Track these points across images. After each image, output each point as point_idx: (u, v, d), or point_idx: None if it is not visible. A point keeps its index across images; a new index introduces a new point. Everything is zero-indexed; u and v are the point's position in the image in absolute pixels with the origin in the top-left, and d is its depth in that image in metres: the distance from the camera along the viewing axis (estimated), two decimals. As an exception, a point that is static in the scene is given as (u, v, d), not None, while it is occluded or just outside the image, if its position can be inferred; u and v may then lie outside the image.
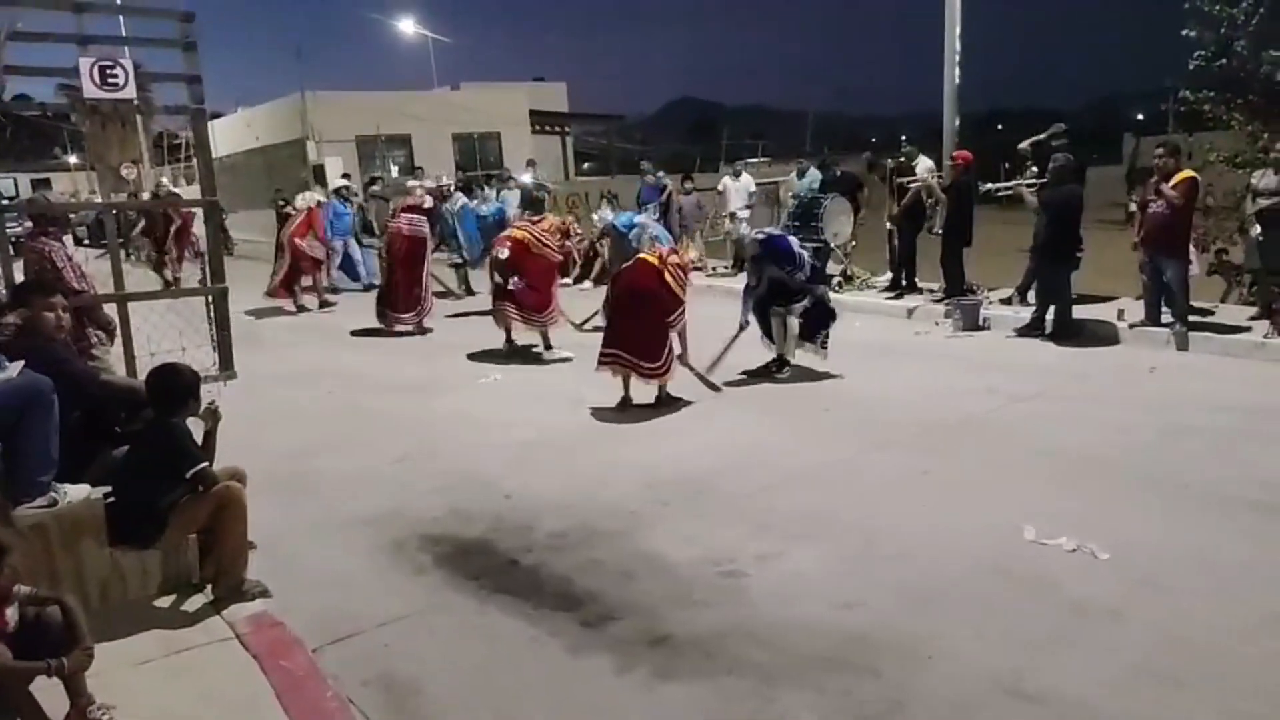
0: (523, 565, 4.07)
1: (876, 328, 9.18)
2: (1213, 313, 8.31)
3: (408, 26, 34.95)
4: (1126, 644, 3.20)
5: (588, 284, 12.76)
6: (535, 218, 8.72)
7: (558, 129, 31.14)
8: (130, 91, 5.29)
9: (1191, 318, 7.76)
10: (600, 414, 6.38)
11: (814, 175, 12.83)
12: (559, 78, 51.57)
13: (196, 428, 3.83)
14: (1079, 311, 8.29)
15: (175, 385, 3.71)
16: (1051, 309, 8.22)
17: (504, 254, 8.22)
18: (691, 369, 6.79)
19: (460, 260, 12.46)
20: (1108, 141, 33.51)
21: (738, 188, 14.08)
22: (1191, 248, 8.12)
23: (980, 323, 8.84)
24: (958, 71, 10.53)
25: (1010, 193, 9.68)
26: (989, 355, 7.88)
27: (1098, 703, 2.87)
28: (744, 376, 7.24)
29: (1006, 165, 12.35)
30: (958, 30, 10.39)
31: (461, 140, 27.41)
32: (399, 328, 9.87)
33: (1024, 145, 9.67)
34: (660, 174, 14.76)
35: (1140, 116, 50.30)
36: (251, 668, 3.18)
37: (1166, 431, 5.50)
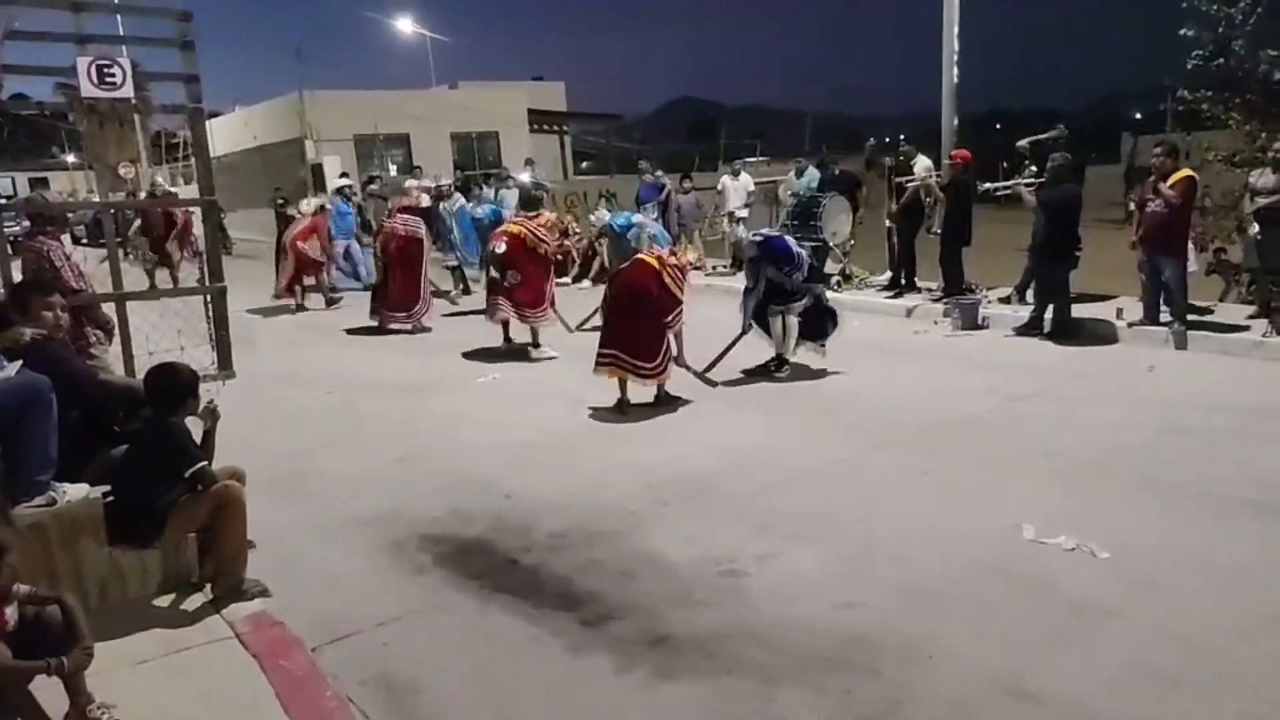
0: (523, 565, 4.07)
1: (876, 327, 9.18)
2: (1211, 311, 8.32)
3: (406, 25, 34.96)
4: (1124, 643, 3.21)
5: (586, 283, 12.76)
6: (531, 214, 8.75)
7: (556, 128, 31.13)
8: (128, 91, 5.29)
9: (1190, 317, 7.77)
10: (600, 414, 6.38)
11: (812, 174, 12.84)
12: (557, 77, 51.69)
13: (195, 427, 3.82)
14: (1077, 310, 8.30)
15: (174, 384, 3.71)
16: (1050, 308, 8.22)
17: (501, 248, 8.24)
18: (688, 368, 6.79)
19: (455, 263, 12.49)
20: (1106, 141, 33.52)
21: (736, 187, 14.08)
22: (1190, 246, 8.13)
23: (979, 322, 8.85)
24: (956, 71, 10.53)
25: (1009, 192, 9.68)
26: (988, 354, 7.89)
27: (1096, 702, 2.88)
28: (743, 376, 7.24)
29: (1005, 164, 12.35)
30: (956, 30, 10.40)
31: (460, 139, 27.42)
32: (394, 326, 9.88)
33: (1023, 144, 9.68)
34: (659, 173, 14.76)
35: (1138, 116, 50.30)
36: (251, 667, 3.18)
37: (1165, 431, 5.51)
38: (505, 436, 5.97)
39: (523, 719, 2.98)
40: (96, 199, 6.18)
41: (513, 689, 3.12)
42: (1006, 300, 9.33)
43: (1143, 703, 2.88)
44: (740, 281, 8.11)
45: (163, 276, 12.63)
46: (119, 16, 6.59)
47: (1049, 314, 8.23)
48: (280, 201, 14.66)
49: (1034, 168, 9.07)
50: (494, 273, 8.33)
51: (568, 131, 32.35)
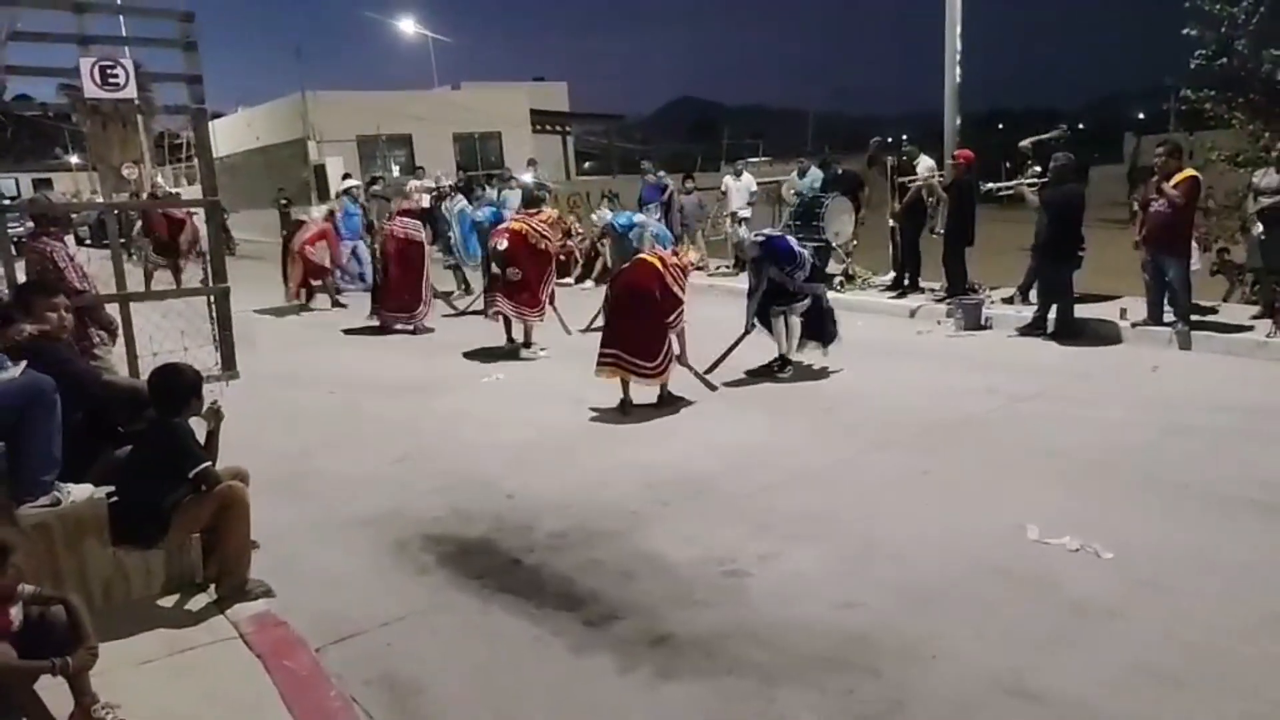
0: (524, 565, 4.07)
1: (879, 327, 9.18)
2: (1215, 312, 8.31)
3: (408, 26, 34.99)
4: (1127, 644, 3.21)
5: (589, 283, 12.78)
6: (533, 211, 8.79)
7: (558, 128, 31.15)
8: (131, 91, 5.29)
9: (1194, 317, 7.76)
10: (601, 414, 6.38)
11: (815, 174, 12.84)
12: (558, 77, 51.60)
13: (199, 428, 3.83)
14: (1081, 311, 8.29)
15: (177, 385, 3.72)
16: (1053, 308, 8.22)
17: (503, 245, 8.28)
18: (690, 369, 6.79)
19: (454, 262, 12.53)
20: (1108, 141, 33.49)
21: (739, 187, 14.08)
22: (1194, 246, 8.11)
23: (982, 322, 8.85)
24: (958, 70, 10.52)
25: (1011, 192, 9.68)
26: (991, 355, 7.89)
27: (1098, 702, 2.88)
28: (745, 376, 7.24)
29: (1008, 165, 12.33)
30: (958, 29, 10.38)
31: (462, 140, 27.44)
32: (399, 326, 9.92)
33: (1025, 144, 9.67)
34: (661, 174, 14.77)
35: (1141, 116, 50.27)
36: (255, 667, 3.19)
37: (1169, 431, 5.50)
38: (506, 436, 5.97)
39: (525, 719, 2.99)
40: (100, 200, 6.18)
41: (515, 689, 3.13)
42: (1010, 300, 9.32)
43: (1145, 703, 2.88)
44: (742, 282, 8.11)
45: (164, 278, 12.63)
46: (121, 18, 6.60)
47: (1052, 314, 8.23)
48: (284, 202, 14.69)
49: (1037, 168, 9.06)
50: (495, 269, 8.36)
51: (570, 132, 32.36)
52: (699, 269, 10.93)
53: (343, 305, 11.96)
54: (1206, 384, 6.58)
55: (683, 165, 22.75)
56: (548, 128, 30.33)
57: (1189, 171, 7.64)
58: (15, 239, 5.91)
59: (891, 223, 10.61)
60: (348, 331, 10.23)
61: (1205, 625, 3.29)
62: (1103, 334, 8.07)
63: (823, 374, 7.30)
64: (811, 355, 7.44)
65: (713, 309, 8.48)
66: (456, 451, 5.74)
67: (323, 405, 7.05)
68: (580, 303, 10.02)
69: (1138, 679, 2.99)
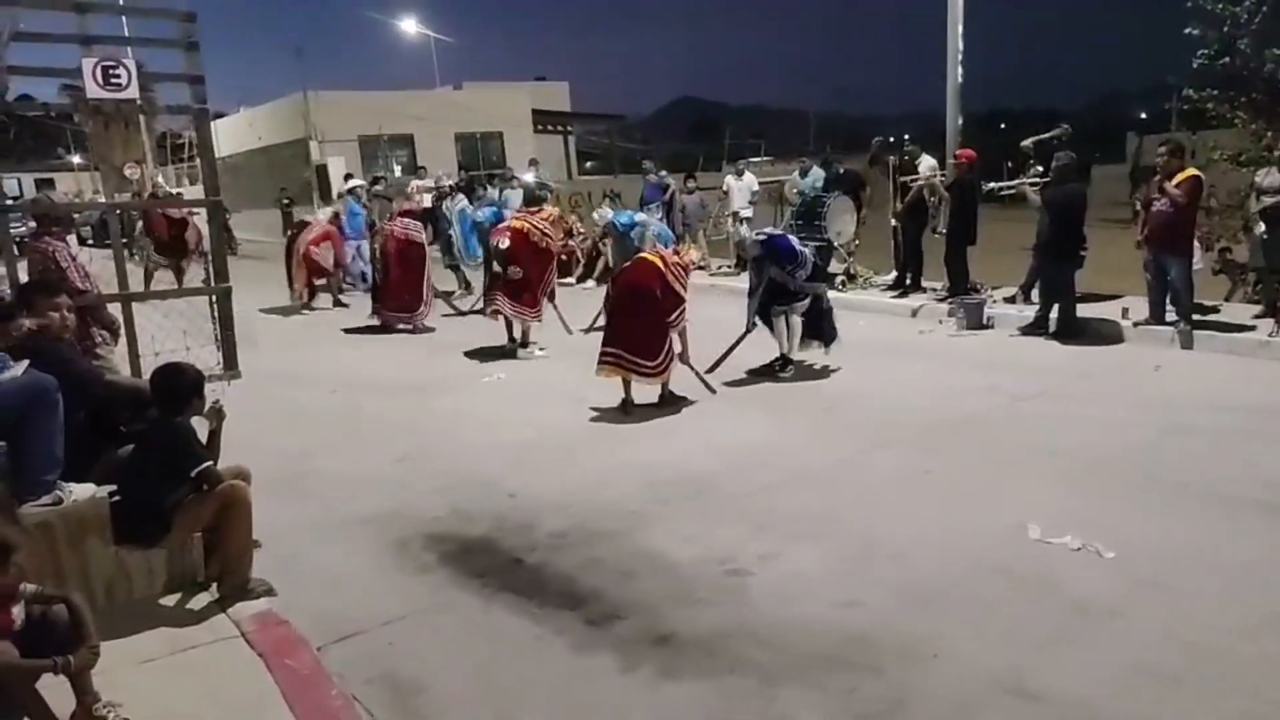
0: (526, 564, 4.08)
1: (880, 327, 9.18)
2: (1217, 311, 8.30)
3: (409, 26, 35.01)
4: (1128, 643, 3.20)
5: (591, 283, 12.78)
6: (534, 209, 8.81)
7: (560, 128, 31.17)
8: (133, 92, 5.30)
9: (1196, 316, 7.76)
10: (601, 413, 6.38)
11: (817, 174, 12.83)
12: (559, 77, 51.58)
13: (201, 427, 3.84)
14: (1083, 310, 8.28)
15: (179, 384, 3.72)
16: (1055, 307, 8.21)
17: (505, 244, 8.29)
18: (692, 368, 6.79)
19: (454, 263, 12.54)
20: (1109, 140, 33.48)
21: (740, 187, 14.08)
22: (1196, 246, 8.11)
23: (984, 321, 8.84)
24: (960, 70, 10.51)
25: (1013, 191, 9.66)
26: (993, 354, 7.88)
27: (1098, 702, 2.88)
28: (747, 375, 7.24)
29: (1009, 164, 12.32)
30: (960, 28, 10.38)
31: (464, 140, 27.46)
32: (401, 326, 9.94)
33: (1027, 143, 9.66)
34: (663, 173, 14.78)
35: (1143, 115, 50.22)
36: (257, 666, 3.19)
37: (1170, 430, 5.50)
38: (507, 436, 5.98)
39: (527, 718, 2.99)
40: (102, 200, 6.19)
41: (517, 688, 3.13)
42: (1012, 300, 9.32)
43: (1145, 702, 2.87)
44: (744, 282, 8.11)
45: (165, 277, 12.63)
46: (123, 18, 6.61)
47: (1054, 313, 8.22)
48: (286, 202, 14.71)
49: (1039, 167, 9.05)
50: (496, 268, 8.37)
51: (572, 132, 32.38)
52: (700, 268, 10.93)
53: (344, 305, 11.98)
54: (1208, 383, 6.57)
55: (684, 165, 22.74)
56: (549, 128, 30.35)
57: (1191, 171, 7.63)
58: (18, 239, 5.93)
59: (893, 222, 10.60)
60: (349, 331, 10.24)
61: (1206, 625, 3.29)
62: (1105, 333, 8.07)
63: (824, 373, 7.30)
64: (813, 355, 7.44)
65: (714, 309, 8.48)
66: (457, 451, 5.74)
67: (324, 404, 7.06)
68: (582, 302, 10.03)
69: (1138, 678, 2.99)
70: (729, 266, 13.05)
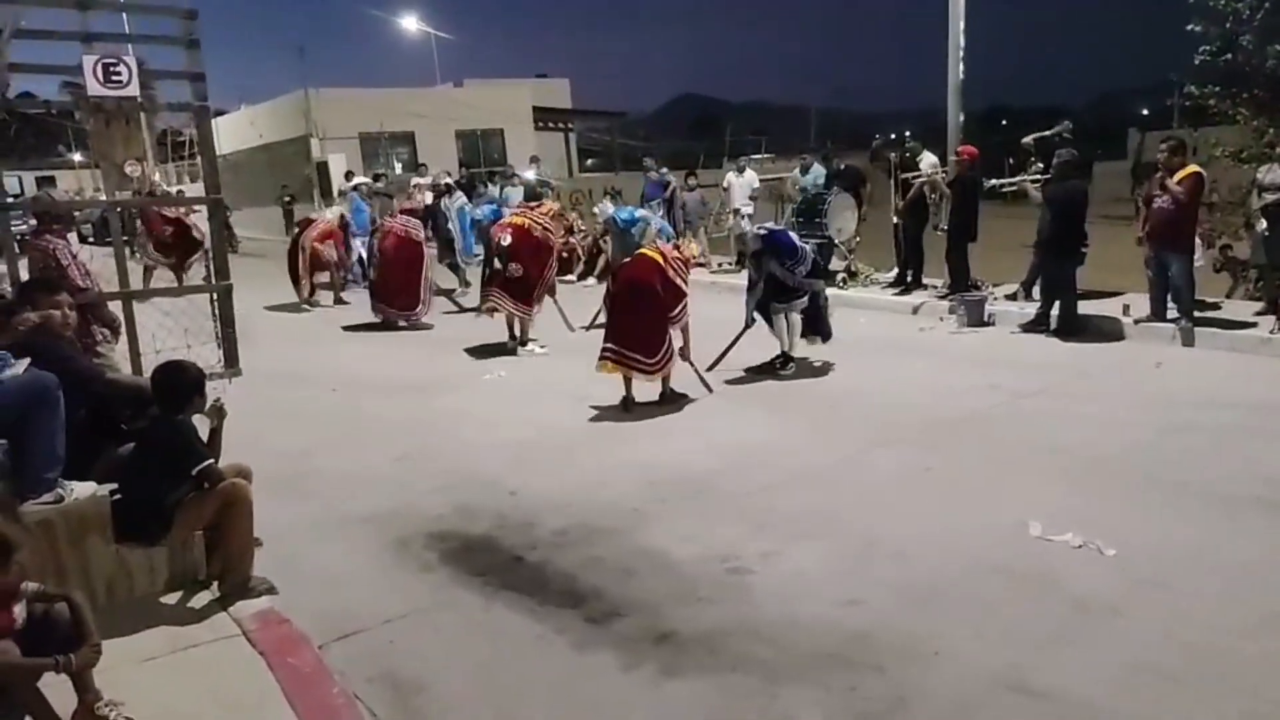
0: (527, 562, 4.08)
1: (881, 324, 9.18)
2: (1219, 308, 8.29)
3: (410, 23, 35.00)
4: (1128, 642, 3.20)
5: (592, 280, 12.77)
6: (533, 205, 8.82)
7: (561, 126, 31.16)
8: (134, 89, 5.29)
9: (1197, 313, 7.75)
10: (602, 412, 6.38)
11: (818, 170, 12.82)
12: (561, 75, 51.56)
13: (202, 425, 3.84)
14: (1084, 307, 8.27)
15: (180, 382, 3.73)
16: (1056, 304, 8.20)
17: (506, 240, 8.28)
18: (692, 365, 6.78)
19: (453, 261, 12.56)
20: (1108, 137, 33.43)
21: (741, 184, 14.07)
22: (1197, 242, 8.09)
23: (985, 318, 8.83)
24: (961, 66, 10.49)
25: (1014, 188, 9.65)
26: (993, 351, 7.88)
27: (1099, 701, 2.88)
28: (747, 373, 7.24)
29: (1011, 161, 12.32)
30: (961, 24, 10.35)
31: (465, 137, 27.44)
32: (402, 322, 9.96)
33: (1028, 140, 9.64)
34: (664, 170, 14.77)
35: (1145, 112, 50.14)
36: (258, 664, 3.19)
37: (1171, 428, 5.49)
38: (507, 434, 5.97)
39: (528, 716, 2.99)
40: (103, 197, 6.19)
41: (518, 686, 3.13)
42: (1013, 297, 9.30)
43: (1145, 701, 2.87)
44: (744, 278, 8.11)
45: (165, 275, 12.62)
46: (124, 15, 6.61)
47: (1055, 310, 8.21)
48: (287, 199, 14.73)
49: (1040, 164, 9.03)
50: (496, 264, 8.36)
51: (573, 129, 32.37)
52: (700, 264, 10.93)
53: (345, 303, 11.98)
54: (1209, 381, 6.56)
55: (685, 162, 22.74)
56: (550, 125, 30.34)
57: (1193, 168, 7.62)
58: (18, 236, 5.93)
59: (894, 219, 10.59)
60: (349, 328, 10.25)
61: (1206, 623, 3.29)
62: (1106, 330, 8.06)
63: (824, 371, 7.30)
64: (810, 349, 7.42)
65: (715, 307, 8.47)
66: (458, 449, 5.74)
67: (324, 403, 7.06)
68: (583, 299, 10.03)
69: (1139, 677, 2.99)
70: (730, 263, 13.04)
